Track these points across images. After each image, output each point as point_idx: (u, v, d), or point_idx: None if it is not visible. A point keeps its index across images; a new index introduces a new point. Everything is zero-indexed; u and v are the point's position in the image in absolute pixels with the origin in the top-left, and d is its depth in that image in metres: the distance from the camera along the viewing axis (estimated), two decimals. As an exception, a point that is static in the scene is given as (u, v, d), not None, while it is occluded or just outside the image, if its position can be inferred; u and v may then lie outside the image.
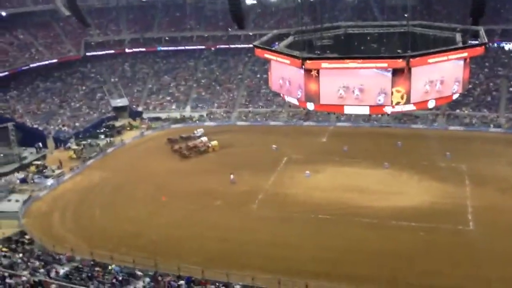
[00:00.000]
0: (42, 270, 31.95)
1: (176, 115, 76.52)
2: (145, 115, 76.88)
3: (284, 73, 32.89)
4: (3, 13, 73.82)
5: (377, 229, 39.63)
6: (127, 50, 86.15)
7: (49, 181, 52.06)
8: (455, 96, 32.50)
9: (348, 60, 29.98)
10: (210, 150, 60.32)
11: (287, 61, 31.54)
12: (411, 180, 49.47)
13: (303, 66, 30.12)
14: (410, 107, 30.56)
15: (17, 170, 54.99)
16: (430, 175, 49.91)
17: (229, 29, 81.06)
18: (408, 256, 35.54)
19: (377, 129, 67.87)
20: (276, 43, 36.10)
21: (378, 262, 34.88)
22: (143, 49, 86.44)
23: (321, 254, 36.06)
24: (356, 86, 30.11)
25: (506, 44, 76.28)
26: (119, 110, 77.00)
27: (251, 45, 37.33)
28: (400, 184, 48.55)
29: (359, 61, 29.57)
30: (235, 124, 73.76)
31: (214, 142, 61.24)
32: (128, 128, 72.61)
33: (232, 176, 50.58)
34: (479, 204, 43.32)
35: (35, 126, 66.89)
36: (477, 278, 32.49)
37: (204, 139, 62.20)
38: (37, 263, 33.36)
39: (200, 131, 65.83)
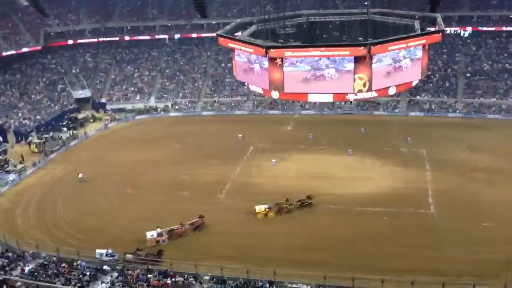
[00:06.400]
0: (6, 268, 31.27)
1: (141, 106, 75.67)
2: (108, 107, 75.54)
3: (248, 62, 32.97)
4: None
5: (343, 215, 40.40)
6: (88, 40, 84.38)
7: (11, 177, 50.68)
8: (414, 83, 33.34)
9: (311, 49, 30.34)
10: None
11: (251, 50, 31.64)
12: (374, 166, 50.49)
13: (267, 55, 30.30)
14: (372, 94, 31.21)
15: (-24, 166, 53.41)
16: (392, 161, 51.08)
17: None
18: (373, 241, 36.37)
19: (340, 116, 68.78)
20: (240, 32, 36.13)
21: (345, 247, 35.63)
22: (105, 39, 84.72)
23: (289, 242, 36.51)
24: (320, 74, 30.46)
25: (463, 30, 78.34)
26: (81, 102, 75.44)
27: (214, 34, 37.18)
28: (364, 170, 49.48)
29: (321, 49, 29.95)
30: (200, 114, 73.49)
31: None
32: (91, 120, 71.33)
33: (81, 175, 49.23)
34: (439, 187, 44.72)
35: (-6, 120, 65.05)
36: (439, 260, 33.54)
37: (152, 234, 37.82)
38: (1, 261, 32.60)
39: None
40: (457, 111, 68.10)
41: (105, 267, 31.90)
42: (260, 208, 40.90)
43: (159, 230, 37.56)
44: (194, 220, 39.31)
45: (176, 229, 38.20)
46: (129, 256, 33.98)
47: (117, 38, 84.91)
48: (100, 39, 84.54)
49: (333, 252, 35.04)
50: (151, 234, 37.30)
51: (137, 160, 54.44)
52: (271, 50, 30.11)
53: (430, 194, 43.60)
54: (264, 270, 31.04)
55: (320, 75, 30.25)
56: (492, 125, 61.98)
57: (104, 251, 34.20)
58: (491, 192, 43.16)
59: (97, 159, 55.92)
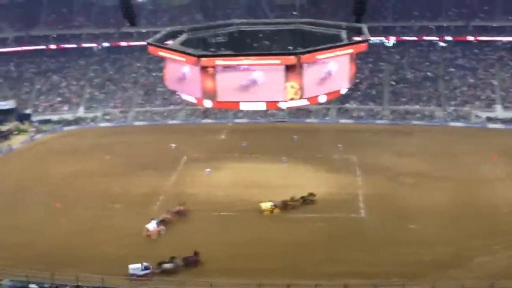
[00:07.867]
0: None
1: (69, 116, 73.09)
2: (34, 118, 72.53)
3: (180, 71, 32.61)
4: None
5: (278, 223, 40.79)
6: (11, 49, 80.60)
7: None
8: (343, 91, 34.17)
9: (242, 57, 30.37)
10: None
11: (183, 59, 31.27)
12: (308, 172, 51.41)
13: (199, 64, 30.09)
14: (303, 102, 31.63)
15: None
16: (325, 167, 52.23)
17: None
18: (307, 246, 36.91)
19: (273, 124, 69.55)
20: (170, 40, 35.70)
21: (281, 254, 35.91)
22: (29, 48, 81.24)
23: (225, 251, 36.26)
24: (251, 82, 30.60)
25: (387, 40, 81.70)
26: (4, 113, 72.04)
27: (144, 43, 36.56)
28: (298, 177, 50.25)
29: (252, 57, 30.03)
30: (132, 124, 71.97)
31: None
32: (16, 133, 68.18)
33: None
34: (369, 192, 46.21)
35: None
36: (370, 262, 34.54)
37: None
38: None
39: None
40: (384, 118, 70.82)
41: (31, 285, 30.38)
42: (266, 205, 42.01)
43: (154, 220, 39.17)
44: (178, 208, 41.93)
45: (167, 218, 40.65)
46: (167, 266, 33.60)
47: (42, 47, 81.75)
48: (24, 48, 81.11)
49: (267, 258, 35.18)
50: (152, 226, 38.35)
51: (66, 172, 52.36)
52: (203, 58, 29.91)
53: (360, 199, 44.92)
54: (199, 281, 30.72)
55: (252, 83, 30.35)
56: (416, 131, 64.86)
57: (138, 265, 33.18)
58: (417, 195, 45.10)
59: (22, 173, 53.31)
